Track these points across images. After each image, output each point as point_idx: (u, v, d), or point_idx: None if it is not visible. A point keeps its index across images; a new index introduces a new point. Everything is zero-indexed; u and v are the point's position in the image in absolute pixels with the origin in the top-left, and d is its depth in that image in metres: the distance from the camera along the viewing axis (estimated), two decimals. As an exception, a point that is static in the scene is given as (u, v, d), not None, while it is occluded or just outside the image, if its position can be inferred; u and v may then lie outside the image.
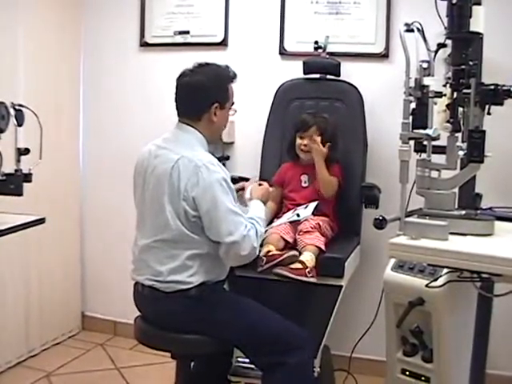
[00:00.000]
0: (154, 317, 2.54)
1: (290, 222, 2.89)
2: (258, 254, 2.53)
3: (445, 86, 2.32)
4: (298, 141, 3.06)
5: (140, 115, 3.86)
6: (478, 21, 2.25)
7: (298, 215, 2.89)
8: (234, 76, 2.61)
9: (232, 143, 3.65)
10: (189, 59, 3.68)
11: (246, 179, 2.96)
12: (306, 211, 2.91)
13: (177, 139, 2.54)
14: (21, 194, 2.61)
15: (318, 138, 2.97)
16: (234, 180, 2.91)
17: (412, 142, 2.27)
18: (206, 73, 2.55)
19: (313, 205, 2.92)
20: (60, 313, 3.88)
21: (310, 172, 3.06)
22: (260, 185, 2.77)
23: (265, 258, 2.72)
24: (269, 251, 2.74)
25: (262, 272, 2.73)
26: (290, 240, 2.85)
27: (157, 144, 2.58)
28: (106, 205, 3.98)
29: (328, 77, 3.36)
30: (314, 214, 2.90)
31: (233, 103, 2.64)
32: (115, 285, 3.89)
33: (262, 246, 2.78)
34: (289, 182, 3.11)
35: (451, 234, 2.09)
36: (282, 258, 2.71)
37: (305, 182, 3.07)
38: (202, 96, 2.53)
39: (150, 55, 3.86)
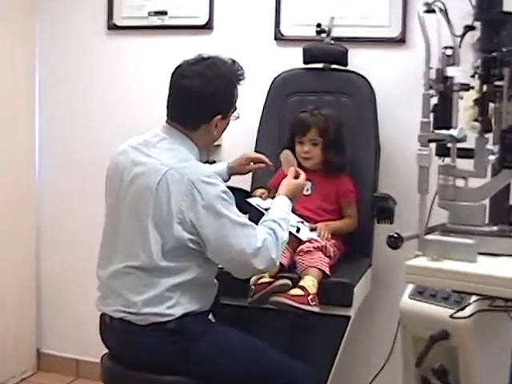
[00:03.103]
0: (124, 354, 2.52)
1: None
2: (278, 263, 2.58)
3: (473, 76, 2.33)
4: (298, 147, 3.07)
5: (108, 112, 3.85)
6: (513, -2, 2.27)
7: (297, 230, 2.89)
8: (242, 75, 2.62)
9: (219, 146, 3.64)
10: (166, 45, 3.71)
11: (237, 189, 2.91)
12: (309, 232, 2.91)
13: (163, 146, 2.51)
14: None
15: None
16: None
17: (433, 145, 2.28)
18: (210, 77, 2.51)
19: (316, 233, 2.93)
20: (10, 350, 3.85)
21: (313, 178, 3.05)
22: (296, 177, 2.74)
23: (253, 288, 2.73)
24: (259, 278, 2.74)
25: (252, 303, 2.73)
26: (286, 262, 2.84)
27: (136, 147, 2.54)
28: (67, 221, 3.96)
29: (333, 66, 3.37)
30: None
31: (235, 108, 2.64)
32: (77, 316, 3.88)
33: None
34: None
35: (480, 254, 2.10)
36: (270, 288, 2.71)
37: (307, 190, 3.06)
38: (204, 107, 2.52)
39: (120, 40, 3.86)
